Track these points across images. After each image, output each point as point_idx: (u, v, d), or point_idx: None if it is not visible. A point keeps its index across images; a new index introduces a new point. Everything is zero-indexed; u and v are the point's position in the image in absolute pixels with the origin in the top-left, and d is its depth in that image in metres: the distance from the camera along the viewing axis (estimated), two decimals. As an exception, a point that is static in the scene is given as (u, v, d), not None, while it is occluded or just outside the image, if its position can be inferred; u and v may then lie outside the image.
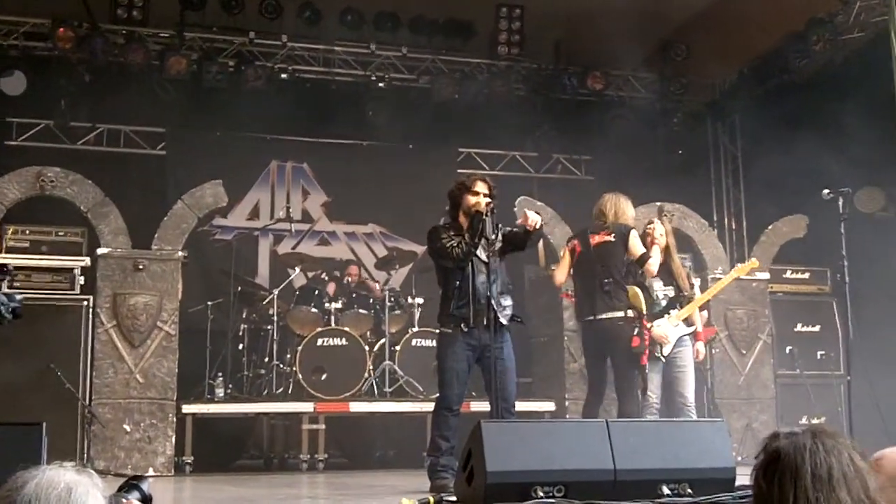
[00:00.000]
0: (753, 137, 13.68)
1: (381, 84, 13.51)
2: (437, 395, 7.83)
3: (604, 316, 8.76)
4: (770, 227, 12.45)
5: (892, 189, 11.28)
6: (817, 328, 12.26)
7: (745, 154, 14.55)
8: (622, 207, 9.13)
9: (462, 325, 7.48)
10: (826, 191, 8.00)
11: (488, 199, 7.59)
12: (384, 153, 14.31)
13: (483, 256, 7.54)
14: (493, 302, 7.37)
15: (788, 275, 12.52)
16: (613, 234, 8.89)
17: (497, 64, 13.79)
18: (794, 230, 12.39)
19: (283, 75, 13.19)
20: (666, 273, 9.08)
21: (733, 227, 14.78)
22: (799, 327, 12.27)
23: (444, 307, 7.71)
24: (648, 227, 9.21)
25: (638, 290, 8.94)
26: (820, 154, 10.13)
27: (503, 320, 7.52)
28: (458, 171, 14.38)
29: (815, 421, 11.76)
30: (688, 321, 9.08)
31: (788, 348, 12.03)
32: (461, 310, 7.49)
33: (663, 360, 8.90)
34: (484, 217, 7.49)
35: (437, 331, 7.96)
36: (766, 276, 12.20)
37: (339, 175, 14.31)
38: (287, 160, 14.38)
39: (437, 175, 14.38)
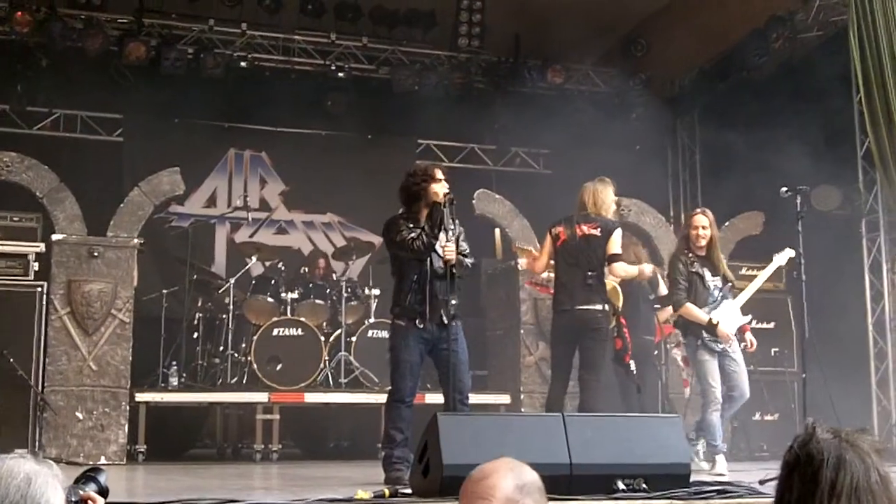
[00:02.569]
0: (712, 134, 13.73)
1: (340, 74, 13.48)
2: (390, 387, 7.78)
3: (582, 307, 8.61)
4: (727, 224, 12.48)
5: (848, 187, 11.36)
6: (772, 325, 12.31)
7: (703, 150, 14.62)
8: (601, 197, 8.96)
9: (416, 321, 7.38)
10: (783, 188, 8.05)
11: (446, 190, 7.47)
12: (343, 143, 14.28)
13: (440, 250, 7.40)
14: (445, 298, 7.35)
15: (744, 271, 12.53)
16: (600, 229, 8.75)
17: (457, 56, 13.81)
18: (750, 227, 12.45)
19: (243, 63, 13.14)
20: (712, 264, 8.97)
21: (690, 223, 14.85)
22: (754, 324, 12.30)
23: (398, 299, 7.57)
24: (692, 219, 9.12)
25: (617, 286, 8.97)
26: (778, 151, 10.20)
27: (446, 319, 7.38)
28: (417, 162, 14.37)
29: (768, 418, 11.87)
30: (741, 313, 9.01)
31: (743, 345, 12.09)
32: (417, 304, 7.39)
33: (719, 349, 8.77)
34: (443, 207, 7.36)
35: (391, 322, 7.74)
36: (722, 272, 12.24)
37: (297, 164, 14.26)
38: (245, 148, 14.31)
39: (396, 166, 14.28)
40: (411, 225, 7.46)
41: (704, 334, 8.74)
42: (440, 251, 7.39)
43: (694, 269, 8.89)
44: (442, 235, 7.43)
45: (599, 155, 13.03)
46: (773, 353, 12.10)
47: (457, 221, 7.57)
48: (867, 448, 2.45)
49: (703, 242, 8.91)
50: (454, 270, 7.34)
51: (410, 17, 13.66)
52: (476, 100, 13.83)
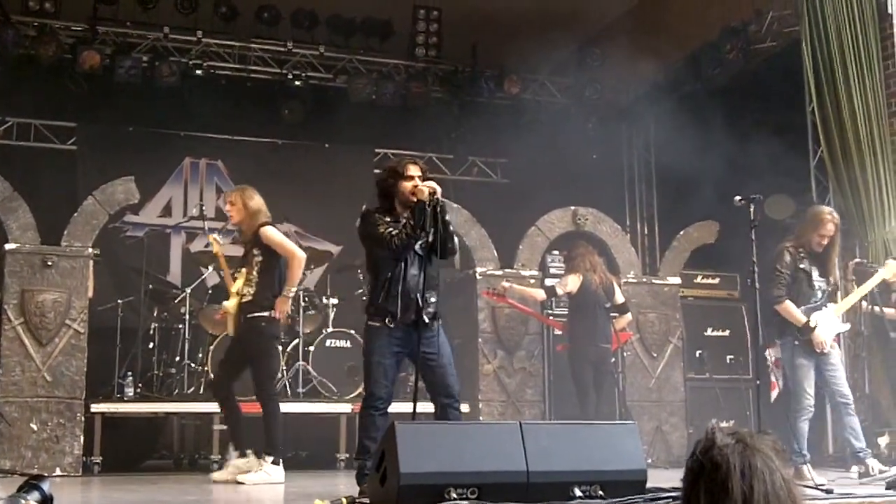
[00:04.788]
0: (667, 143, 13.80)
1: (297, 83, 13.48)
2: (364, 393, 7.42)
3: None
4: (682, 233, 12.59)
5: (801, 196, 11.47)
6: (727, 333, 12.42)
7: (659, 160, 14.72)
8: None
9: (387, 320, 6.96)
10: (737, 197, 8.06)
11: (430, 185, 6.95)
12: (300, 152, 14.27)
13: (418, 249, 6.99)
14: (419, 298, 6.89)
15: (699, 280, 12.68)
16: None
17: (414, 65, 13.83)
18: (705, 236, 12.54)
19: (198, 71, 13.10)
20: (823, 264, 8.64)
21: (646, 231, 14.98)
22: (709, 332, 12.43)
23: (372, 298, 7.17)
24: (824, 215, 8.65)
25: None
26: (732, 161, 10.28)
27: (426, 318, 6.92)
28: (375, 171, 14.38)
29: (724, 424, 11.93)
30: (842, 319, 8.74)
31: (698, 352, 12.18)
32: (389, 304, 6.96)
33: (824, 352, 8.43)
34: (427, 207, 6.85)
35: (365, 324, 7.26)
36: (678, 280, 12.34)
37: (253, 173, 14.13)
38: (201, 157, 14.25)
39: (353, 175, 14.44)
40: (388, 219, 7.04)
41: (802, 336, 8.45)
42: (417, 246, 6.97)
43: (802, 266, 8.60)
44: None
45: (556, 164, 13.11)
46: (728, 361, 12.21)
47: (448, 221, 7.07)
48: (769, 451, 2.46)
49: (826, 241, 8.59)
50: (437, 207, 6.87)
51: (367, 26, 13.67)
52: (433, 109, 13.86)
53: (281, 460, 8.76)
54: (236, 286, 8.89)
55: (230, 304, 8.83)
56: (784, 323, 8.61)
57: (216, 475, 9.07)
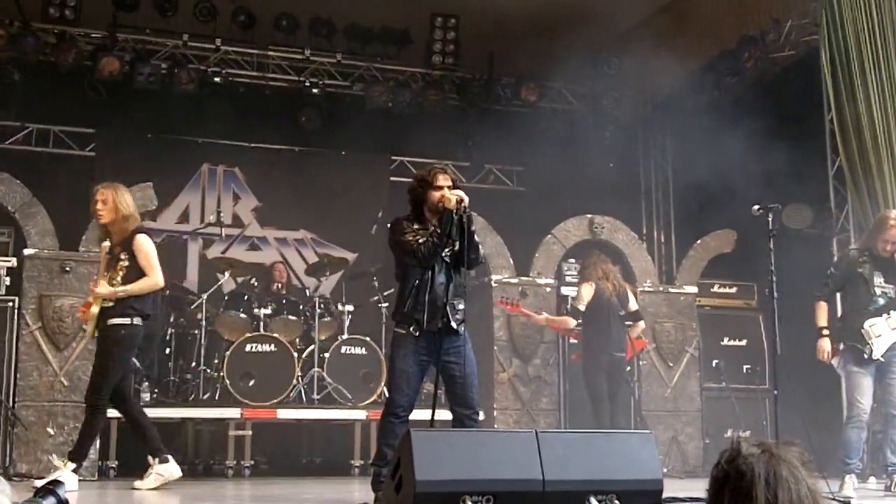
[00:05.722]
0: (684, 152, 13.81)
1: (314, 90, 13.50)
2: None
3: None
4: (699, 242, 12.57)
5: (819, 206, 11.44)
6: (744, 342, 12.40)
7: (676, 168, 14.71)
8: None
9: (412, 328, 6.96)
10: (755, 206, 8.04)
11: (458, 194, 6.96)
12: (316, 159, 14.27)
13: (446, 257, 7.00)
14: (447, 306, 6.91)
15: (716, 289, 12.65)
16: None
17: (431, 73, 13.84)
18: (722, 245, 12.53)
19: (217, 79, 13.12)
20: (888, 271, 8.54)
21: (662, 240, 14.95)
22: (726, 341, 12.40)
23: (398, 305, 7.16)
24: (891, 220, 8.58)
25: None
26: (749, 170, 10.25)
27: (454, 324, 6.95)
28: (391, 178, 14.40)
29: (741, 434, 11.90)
30: None
31: (715, 362, 12.15)
32: (416, 312, 6.95)
33: (873, 359, 8.31)
34: (454, 216, 6.85)
35: (392, 330, 7.31)
36: (694, 289, 12.33)
37: (270, 180, 14.22)
38: (218, 164, 14.25)
39: (370, 183, 14.45)
40: (416, 227, 7.07)
41: (857, 343, 8.34)
42: (445, 255, 6.97)
43: (861, 270, 8.52)
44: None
45: (573, 172, 13.08)
46: (744, 370, 12.18)
47: (474, 231, 7.10)
48: (795, 461, 2.46)
49: (891, 247, 8.51)
50: (463, 217, 6.87)
51: (385, 35, 13.68)
52: (450, 117, 13.85)
53: (77, 467, 8.48)
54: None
55: (95, 309, 8.40)
56: (842, 329, 8.56)
57: (139, 483, 8.71)
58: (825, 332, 8.41)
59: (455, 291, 7.02)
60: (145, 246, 8.44)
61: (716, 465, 2.51)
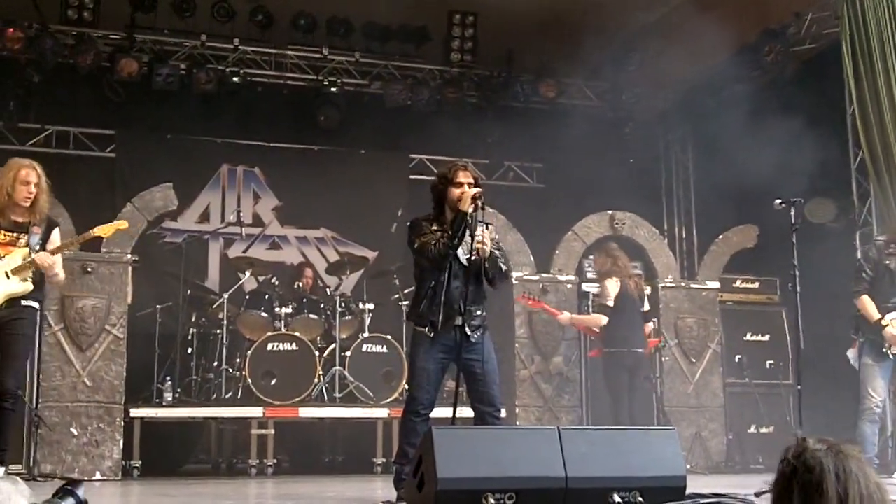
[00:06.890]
0: (705, 147, 13.77)
1: (333, 89, 13.49)
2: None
3: None
4: (721, 237, 12.52)
5: (842, 200, 11.37)
6: (766, 337, 12.33)
7: (697, 163, 14.67)
8: None
9: (427, 329, 6.94)
10: (778, 200, 8.00)
11: (475, 191, 6.89)
12: (336, 158, 14.27)
13: (463, 259, 6.95)
14: (463, 311, 6.84)
15: (738, 284, 12.58)
16: None
17: (450, 70, 13.82)
18: (744, 240, 12.47)
19: (235, 79, 13.13)
20: None
21: (684, 236, 14.91)
22: (748, 336, 12.33)
23: (414, 306, 7.20)
24: None
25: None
26: (771, 164, 10.20)
27: (468, 330, 6.90)
28: (410, 177, 14.40)
29: (763, 430, 11.86)
30: None
31: (738, 357, 12.09)
32: (431, 313, 6.92)
33: (891, 357, 8.29)
34: (468, 216, 6.81)
35: (413, 328, 7.25)
36: (717, 285, 12.27)
37: (290, 179, 14.23)
38: (238, 164, 14.27)
39: (389, 181, 14.46)
40: (435, 227, 7.03)
41: (878, 338, 8.30)
42: (462, 256, 6.94)
43: (887, 262, 8.48)
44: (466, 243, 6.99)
45: (593, 168, 13.04)
46: (767, 366, 12.12)
47: (490, 226, 7.13)
48: (860, 457, 2.49)
49: None
50: (486, 265, 6.94)
51: (403, 32, 13.66)
52: (469, 114, 13.82)
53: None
54: (9, 266, 7.83)
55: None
56: (859, 320, 8.51)
57: None
58: (884, 322, 8.28)
59: (473, 298, 6.97)
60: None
61: (781, 460, 2.53)
